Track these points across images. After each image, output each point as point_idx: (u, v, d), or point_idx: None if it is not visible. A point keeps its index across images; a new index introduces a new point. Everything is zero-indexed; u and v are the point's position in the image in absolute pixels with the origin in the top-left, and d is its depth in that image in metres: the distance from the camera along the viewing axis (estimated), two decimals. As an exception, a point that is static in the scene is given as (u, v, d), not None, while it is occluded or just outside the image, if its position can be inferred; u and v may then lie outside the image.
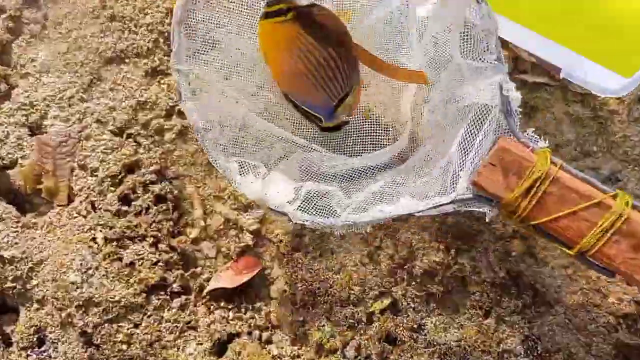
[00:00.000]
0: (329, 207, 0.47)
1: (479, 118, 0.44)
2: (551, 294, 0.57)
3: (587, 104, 0.60)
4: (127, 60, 0.63)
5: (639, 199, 0.55)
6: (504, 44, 0.60)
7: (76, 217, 0.60)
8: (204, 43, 0.51)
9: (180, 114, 0.61)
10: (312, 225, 0.46)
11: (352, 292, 0.58)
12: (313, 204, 0.47)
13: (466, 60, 0.45)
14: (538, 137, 0.43)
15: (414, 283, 0.58)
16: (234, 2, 0.52)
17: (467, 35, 0.45)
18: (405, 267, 0.58)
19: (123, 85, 0.63)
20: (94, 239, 0.59)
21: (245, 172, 0.48)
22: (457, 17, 0.45)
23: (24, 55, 0.64)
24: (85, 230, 0.59)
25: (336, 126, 0.53)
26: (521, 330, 0.56)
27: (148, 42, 0.62)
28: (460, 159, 0.44)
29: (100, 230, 0.59)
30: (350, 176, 0.53)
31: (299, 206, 0.47)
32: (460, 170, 0.44)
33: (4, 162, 0.61)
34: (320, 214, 0.46)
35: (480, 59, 0.43)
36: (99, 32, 0.63)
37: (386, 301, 0.58)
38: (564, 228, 0.41)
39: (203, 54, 0.51)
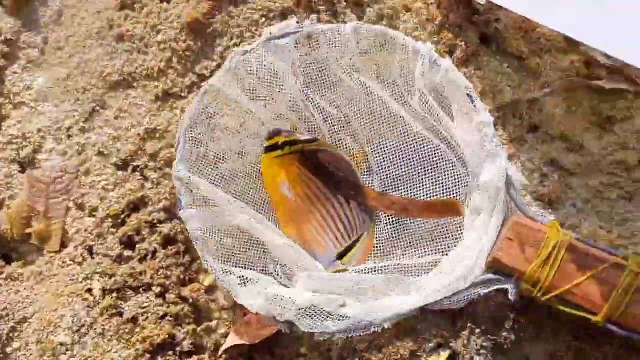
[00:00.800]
0: (337, 310, 0.45)
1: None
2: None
3: (674, 114, 0.51)
4: (135, 85, 0.56)
5: None
6: (576, 46, 0.52)
7: (70, 264, 0.51)
8: (207, 154, 0.50)
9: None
10: (324, 333, 0.44)
11: (404, 344, 0.47)
12: (319, 309, 0.45)
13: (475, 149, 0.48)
14: (544, 211, 0.50)
15: (478, 331, 0.47)
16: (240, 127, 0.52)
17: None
18: (468, 311, 0.48)
19: (130, 113, 0.55)
20: (89, 291, 0.49)
21: (244, 283, 0.47)
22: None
23: (19, 83, 0.57)
24: (79, 280, 0.50)
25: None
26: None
27: (160, 61, 0.55)
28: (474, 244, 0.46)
29: (98, 280, 0.50)
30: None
31: (307, 313, 0.45)
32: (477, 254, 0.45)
33: (-10, 203, 0.52)
34: (329, 318, 0.45)
35: (482, 147, 0.46)
36: (105, 54, 0.57)
37: (444, 354, 0.47)
38: (586, 294, 0.42)
39: (207, 164, 0.50)
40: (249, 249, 0.49)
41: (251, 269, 0.48)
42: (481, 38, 0.54)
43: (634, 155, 0.51)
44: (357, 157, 0.54)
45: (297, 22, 0.50)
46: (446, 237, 0.50)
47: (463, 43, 0.53)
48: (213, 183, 0.49)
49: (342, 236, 0.51)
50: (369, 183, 0.53)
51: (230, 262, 0.48)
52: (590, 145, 0.52)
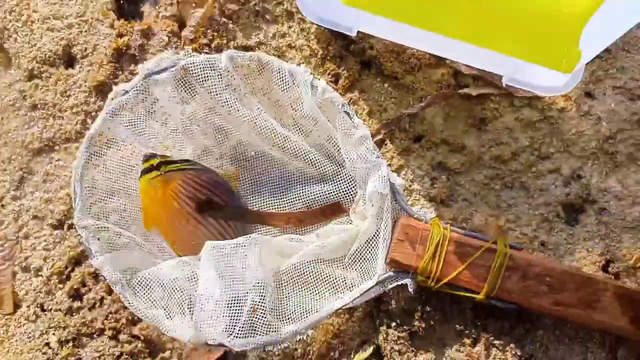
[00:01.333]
0: (264, 320, 0.49)
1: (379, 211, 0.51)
2: (537, 310, 0.54)
3: (535, 107, 0.59)
4: (56, 148, 0.60)
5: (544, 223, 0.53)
6: (442, 61, 0.59)
7: (25, 323, 0.56)
8: (103, 194, 0.53)
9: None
10: (256, 347, 0.48)
11: (332, 346, 0.55)
12: (249, 324, 0.48)
13: (359, 164, 0.52)
14: (425, 209, 0.57)
15: (393, 324, 0.54)
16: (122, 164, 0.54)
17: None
18: (382, 309, 0.55)
19: (56, 175, 0.59)
20: (47, 344, 0.54)
21: (171, 315, 0.49)
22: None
23: (-53, 161, 0.60)
24: (36, 336, 0.55)
25: None
26: (513, 352, 0.53)
27: (76, 124, 0.59)
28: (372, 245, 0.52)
29: (53, 333, 0.55)
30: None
31: (237, 334, 0.48)
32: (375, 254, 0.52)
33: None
34: (260, 332, 0.49)
35: (365, 160, 0.51)
36: (23, 124, 0.60)
37: (369, 349, 0.55)
38: (469, 278, 0.50)
39: (105, 203, 0.53)
40: (165, 284, 0.51)
41: (174, 302, 0.50)
42: (361, 64, 0.59)
43: (508, 149, 0.58)
44: (234, 175, 0.56)
45: (172, 55, 0.52)
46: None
47: (345, 71, 0.59)
48: (115, 223, 0.52)
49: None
50: (253, 203, 0.57)
51: (153, 299, 0.50)
52: (470, 145, 0.58)
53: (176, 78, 0.52)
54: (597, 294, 0.50)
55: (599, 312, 0.50)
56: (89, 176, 0.52)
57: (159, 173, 0.51)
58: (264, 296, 0.50)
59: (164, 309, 0.50)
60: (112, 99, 0.52)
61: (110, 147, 0.52)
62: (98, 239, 0.50)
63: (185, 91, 0.52)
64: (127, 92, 0.51)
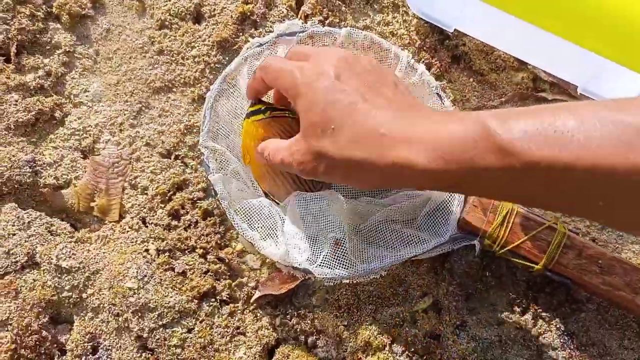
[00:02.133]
0: (344, 257, 0.55)
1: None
2: (583, 293, 0.60)
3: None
4: (174, 90, 0.68)
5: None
6: (524, 65, 0.66)
7: (128, 231, 0.63)
8: (223, 128, 0.60)
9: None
10: (333, 278, 0.54)
11: (397, 292, 0.61)
12: (331, 257, 0.54)
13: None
14: None
15: (454, 283, 0.60)
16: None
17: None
18: (446, 267, 0.61)
19: (171, 112, 0.67)
20: (147, 250, 0.61)
21: (264, 238, 0.56)
22: None
23: (77, 86, 0.69)
24: (138, 242, 0.62)
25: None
26: (557, 326, 0.59)
27: (195, 72, 0.68)
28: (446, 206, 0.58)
29: (152, 243, 0.62)
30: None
31: (320, 263, 0.54)
32: (448, 215, 0.58)
33: (59, 182, 0.64)
34: (339, 265, 0.55)
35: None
36: (148, 65, 0.69)
37: (429, 301, 0.61)
38: (530, 248, 0.57)
39: (224, 137, 0.60)
40: (264, 209, 0.57)
41: (267, 228, 0.56)
42: (452, 58, 0.67)
43: None
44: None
45: (302, 23, 0.61)
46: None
47: (437, 61, 0.67)
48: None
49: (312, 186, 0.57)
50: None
51: (252, 220, 0.56)
52: None
53: (300, 42, 0.60)
54: (642, 282, 0.56)
55: (643, 298, 0.56)
56: (217, 107, 0.59)
57: (264, 117, 0.55)
58: (344, 238, 0.56)
59: (259, 232, 0.56)
60: (248, 48, 0.60)
61: (233, 89, 0.60)
62: (215, 160, 0.58)
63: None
64: (261, 44, 0.60)
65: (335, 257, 0.55)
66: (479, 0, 0.56)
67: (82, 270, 0.60)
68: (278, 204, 0.58)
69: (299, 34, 0.60)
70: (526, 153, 0.36)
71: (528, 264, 0.57)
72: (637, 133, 0.34)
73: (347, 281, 0.55)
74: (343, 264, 0.55)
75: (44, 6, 0.70)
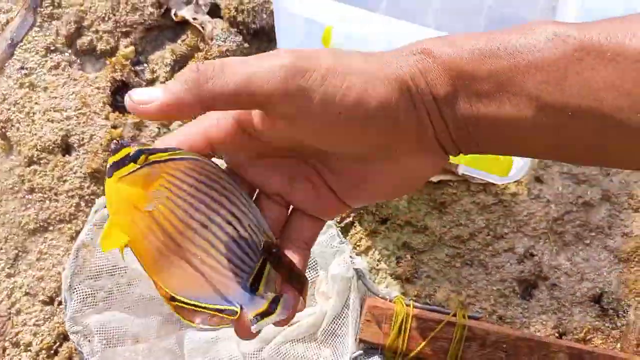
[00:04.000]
0: None
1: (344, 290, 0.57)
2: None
3: (489, 192, 0.65)
4: (51, 228, 0.64)
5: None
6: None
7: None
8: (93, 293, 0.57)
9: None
10: None
11: None
12: None
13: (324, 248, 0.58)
14: (391, 286, 0.61)
15: None
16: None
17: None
18: None
19: (49, 254, 0.64)
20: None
21: None
22: None
23: (-54, 241, 0.64)
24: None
25: (269, 308, 0.32)
26: None
27: (70, 207, 0.64)
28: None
29: (40, 409, 0.58)
30: None
31: None
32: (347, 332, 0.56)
33: None
34: None
35: (330, 246, 0.57)
36: (20, 205, 0.65)
37: None
38: (433, 351, 0.55)
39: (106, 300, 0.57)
40: None
41: None
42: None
43: (466, 230, 0.64)
44: None
45: None
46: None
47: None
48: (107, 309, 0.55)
49: (242, 260, 0.33)
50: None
51: None
52: (432, 226, 0.64)
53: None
54: (549, 356, 0.55)
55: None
56: (76, 281, 0.56)
57: (138, 166, 0.32)
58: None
59: None
60: (96, 211, 0.57)
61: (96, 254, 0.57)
62: (89, 341, 0.54)
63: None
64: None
65: None
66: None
67: None
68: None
69: None
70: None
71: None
72: None
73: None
74: None
75: None
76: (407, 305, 0.56)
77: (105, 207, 0.55)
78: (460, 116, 0.30)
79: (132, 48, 0.70)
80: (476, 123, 0.30)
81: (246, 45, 0.70)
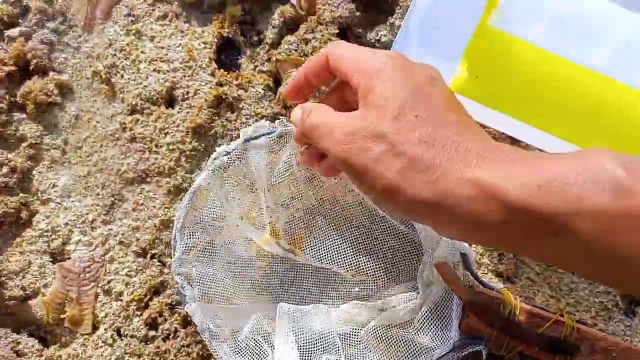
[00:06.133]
0: None
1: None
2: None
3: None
4: (148, 180, 0.63)
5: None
6: (516, 143, 0.62)
7: (102, 346, 0.58)
8: (203, 244, 0.55)
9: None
10: None
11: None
12: None
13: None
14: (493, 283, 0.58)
15: None
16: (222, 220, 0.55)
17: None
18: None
19: (145, 205, 0.63)
20: (122, 369, 0.57)
21: None
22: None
23: (45, 181, 0.64)
24: None
25: None
26: None
27: (170, 160, 0.63)
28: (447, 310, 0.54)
29: (128, 359, 0.57)
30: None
31: None
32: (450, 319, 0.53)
33: (26, 292, 0.60)
34: None
35: None
36: (120, 154, 0.64)
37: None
38: (540, 348, 0.51)
39: (202, 254, 0.55)
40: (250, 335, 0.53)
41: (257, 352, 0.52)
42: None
43: None
44: (299, 236, 0.58)
45: (269, 124, 0.55)
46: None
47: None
48: (209, 268, 0.54)
49: None
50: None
51: (237, 348, 0.51)
52: None
53: (271, 143, 0.55)
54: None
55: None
56: (188, 226, 0.54)
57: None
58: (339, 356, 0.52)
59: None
60: (215, 158, 0.55)
61: (205, 203, 0.55)
62: (191, 286, 0.52)
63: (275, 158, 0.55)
64: (228, 153, 0.55)
65: None
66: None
67: (51, 396, 0.56)
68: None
69: (267, 135, 0.55)
70: None
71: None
72: None
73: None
74: None
75: (7, 96, 0.65)
76: (515, 298, 0.53)
77: (224, 154, 0.54)
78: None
79: (239, 6, 0.68)
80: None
81: (357, 14, 0.67)
